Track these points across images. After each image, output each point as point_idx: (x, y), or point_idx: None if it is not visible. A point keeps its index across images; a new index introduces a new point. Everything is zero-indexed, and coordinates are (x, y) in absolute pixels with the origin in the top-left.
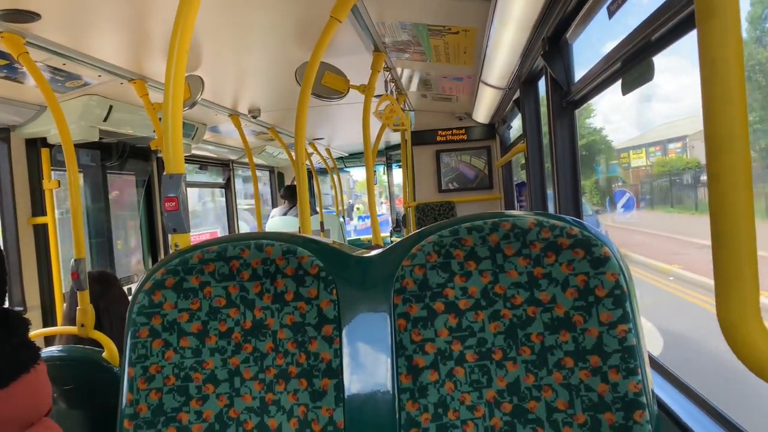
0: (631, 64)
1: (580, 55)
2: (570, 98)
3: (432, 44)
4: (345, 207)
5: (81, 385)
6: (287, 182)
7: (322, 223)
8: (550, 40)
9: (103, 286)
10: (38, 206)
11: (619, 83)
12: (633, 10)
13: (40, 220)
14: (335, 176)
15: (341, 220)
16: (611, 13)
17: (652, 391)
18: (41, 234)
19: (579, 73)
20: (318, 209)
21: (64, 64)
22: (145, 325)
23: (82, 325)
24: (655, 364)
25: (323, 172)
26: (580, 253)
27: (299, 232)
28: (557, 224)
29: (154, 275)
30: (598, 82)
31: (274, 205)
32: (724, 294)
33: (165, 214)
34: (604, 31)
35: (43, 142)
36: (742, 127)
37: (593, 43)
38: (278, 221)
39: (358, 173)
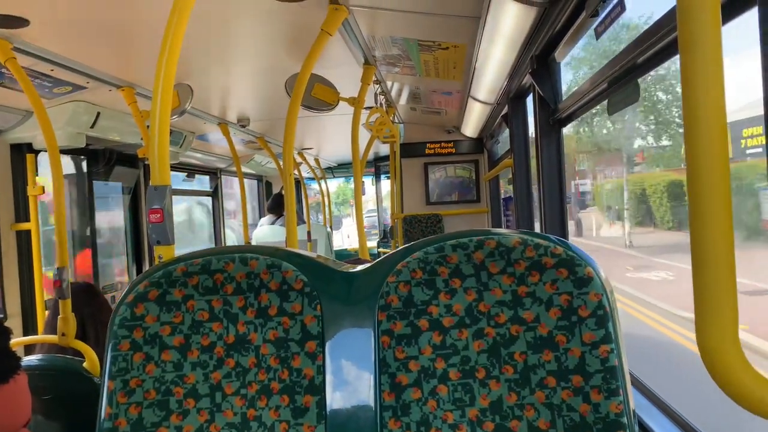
0: (618, 86)
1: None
2: (557, 116)
3: (422, 59)
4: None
5: (61, 396)
6: (275, 191)
7: (309, 233)
8: (539, 58)
9: (87, 295)
10: (22, 212)
11: (605, 103)
12: None
13: (23, 226)
14: (324, 186)
15: (328, 230)
16: (598, 35)
17: (634, 412)
18: (24, 240)
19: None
20: (306, 219)
21: (52, 70)
22: (126, 338)
23: (63, 334)
24: (637, 384)
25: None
26: (564, 272)
27: (286, 242)
28: (541, 243)
29: (137, 287)
30: (585, 101)
31: (261, 214)
32: (703, 320)
33: (149, 226)
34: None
35: (28, 147)
36: (722, 153)
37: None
38: (266, 230)
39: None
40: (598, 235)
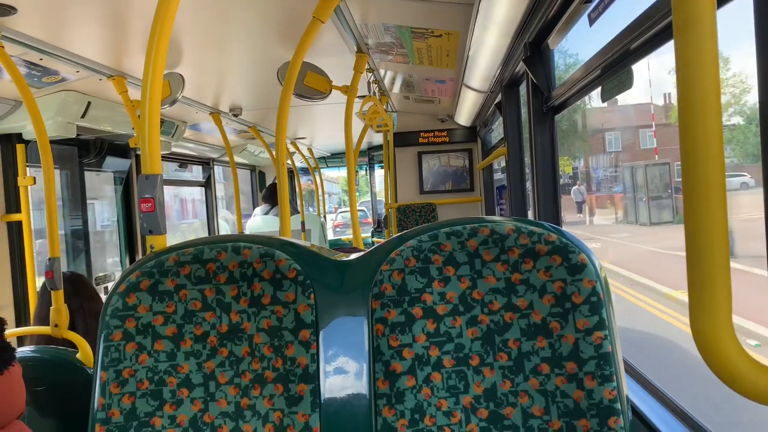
0: (611, 72)
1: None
2: (550, 103)
3: (415, 46)
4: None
5: (54, 387)
6: (268, 181)
7: (303, 223)
8: (532, 45)
9: (74, 285)
10: (12, 203)
11: (599, 90)
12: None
13: (14, 217)
14: (317, 176)
15: (322, 220)
16: (592, 21)
17: (627, 398)
18: (15, 231)
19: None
20: (299, 209)
21: (41, 59)
22: (118, 328)
23: (56, 325)
24: (631, 370)
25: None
26: (558, 259)
27: (279, 232)
28: (535, 230)
29: (129, 277)
30: (578, 88)
31: (255, 204)
32: (697, 307)
33: (141, 215)
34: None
35: (18, 137)
36: (717, 139)
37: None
38: (259, 220)
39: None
40: None
